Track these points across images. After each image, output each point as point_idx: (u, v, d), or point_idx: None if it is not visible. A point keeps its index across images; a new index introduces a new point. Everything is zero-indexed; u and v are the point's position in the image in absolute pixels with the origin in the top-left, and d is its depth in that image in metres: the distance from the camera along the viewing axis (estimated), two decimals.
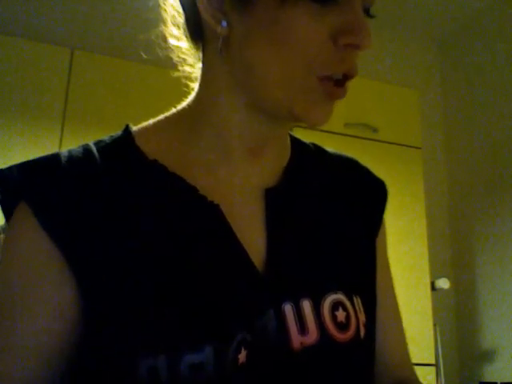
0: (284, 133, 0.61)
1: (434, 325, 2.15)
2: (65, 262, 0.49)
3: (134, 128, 0.59)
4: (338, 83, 0.53)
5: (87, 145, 0.56)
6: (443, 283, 2.18)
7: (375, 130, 2.25)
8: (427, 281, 2.18)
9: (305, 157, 0.64)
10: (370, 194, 0.66)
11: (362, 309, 0.57)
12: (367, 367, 0.58)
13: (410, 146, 2.32)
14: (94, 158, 0.54)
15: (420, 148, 2.34)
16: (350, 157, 0.69)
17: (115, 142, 0.57)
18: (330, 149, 0.69)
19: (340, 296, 0.54)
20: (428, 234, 2.25)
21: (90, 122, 1.96)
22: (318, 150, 0.67)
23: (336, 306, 0.54)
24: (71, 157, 0.54)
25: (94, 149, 0.56)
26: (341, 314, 0.53)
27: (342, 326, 0.53)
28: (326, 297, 0.53)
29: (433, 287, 2.19)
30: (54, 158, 0.54)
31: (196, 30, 0.57)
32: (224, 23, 0.52)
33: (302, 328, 0.51)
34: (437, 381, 2.08)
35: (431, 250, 2.28)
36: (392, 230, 2.48)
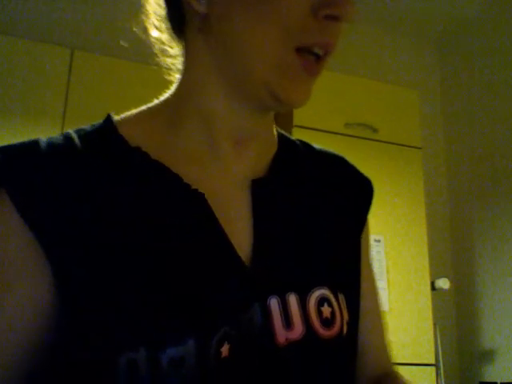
0: (268, 125, 0.61)
1: (434, 325, 2.15)
2: (42, 251, 0.48)
3: (117, 117, 0.58)
4: (317, 59, 0.52)
5: (68, 132, 0.55)
6: (443, 283, 2.18)
7: (375, 130, 2.25)
8: (427, 281, 2.18)
9: (291, 152, 0.63)
10: (356, 192, 0.66)
11: (345, 306, 0.56)
12: (350, 365, 0.58)
13: (410, 146, 2.32)
14: (75, 144, 0.53)
15: (420, 148, 2.34)
16: (337, 154, 0.68)
17: (97, 129, 0.56)
18: (316, 146, 0.68)
19: (326, 291, 0.54)
20: (428, 234, 2.25)
21: (90, 122, 1.96)
22: (304, 147, 0.66)
23: (322, 301, 0.53)
24: (51, 143, 0.53)
25: (75, 136, 0.54)
26: (326, 310, 0.53)
27: (327, 323, 0.52)
28: (312, 292, 0.53)
29: (433, 287, 2.19)
30: (34, 144, 0.52)
31: (177, 16, 0.56)
32: None
33: (288, 323, 0.50)
34: (437, 381, 2.08)
35: (431, 250, 2.28)
36: (392, 230, 2.47)
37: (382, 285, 2.10)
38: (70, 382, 0.47)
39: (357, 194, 0.66)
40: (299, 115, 2.16)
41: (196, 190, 0.53)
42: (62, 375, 0.47)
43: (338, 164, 0.67)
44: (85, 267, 0.48)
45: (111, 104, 2.02)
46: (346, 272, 0.60)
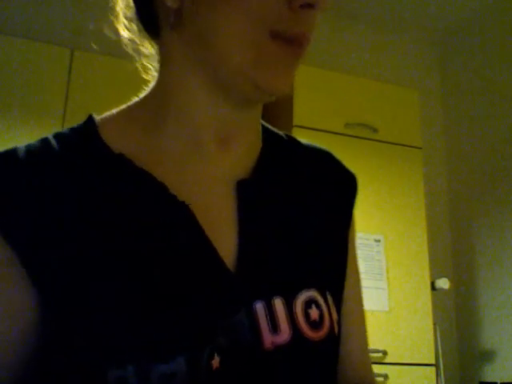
0: (253, 121, 0.59)
1: (434, 325, 2.15)
2: (21, 266, 0.46)
3: (97, 118, 0.56)
4: (294, 45, 0.51)
5: (46, 137, 0.53)
6: (443, 283, 2.18)
7: (375, 130, 2.25)
8: (427, 281, 2.18)
9: (277, 148, 0.62)
10: (341, 187, 0.65)
11: (334, 306, 0.56)
12: (337, 365, 0.57)
13: (410, 146, 2.32)
14: (54, 150, 0.52)
15: (420, 148, 2.34)
16: (324, 149, 0.67)
17: (77, 133, 0.54)
18: (303, 140, 0.67)
19: (313, 293, 0.53)
20: (428, 234, 2.25)
21: None
22: (291, 141, 0.65)
23: (309, 303, 0.52)
24: (29, 151, 0.51)
25: (54, 141, 0.53)
26: (314, 312, 0.52)
27: (315, 325, 0.52)
28: (298, 294, 0.52)
29: (433, 287, 2.19)
30: (12, 152, 0.51)
31: (148, 15, 0.56)
32: None
33: (274, 327, 0.50)
34: (437, 381, 2.08)
35: (431, 250, 2.28)
36: (392, 230, 2.47)
37: (381, 285, 2.10)
38: None
39: (342, 189, 0.65)
40: (299, 115, 2.16)
41: (182, 202, 0.51)
42: None
43: (324, 159, 0.66)
44: (67, 283, 0.46)
45: (111, 104, 2.02)
46: (334, 270, 0.60)
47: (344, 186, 0.66)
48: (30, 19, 2.29)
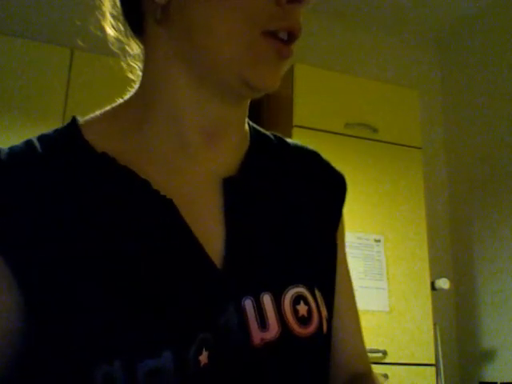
0: (240, 118, 0.59)
1: (434, 325, 2.15)
2: (5, 266, 0.46)
3: (81, 120, 0.56)
4: (284, 43, 0.52)
5: (29, 139, 0.53)
6: (443, 283, 2.18)
7: (375, 130, 2.25)
8: (427, 281, 2.18)
9: (264, 146, 0.62)
10: (330, 187, 0.65)
11: (323, 303, 0.56)
12: (328, 362, 0.57)
13: (410, 146, 2.32)
14: (37, 151, 0.51)
15: (420, 148, 2.34)
16: (312, 149, 0.67)
17: (60, 134, 0.54)
18: (291, 140, 0.67)
19: (301, 289, 0.53)
20: (428, 234, 2.25)
21: None
22: (278, 141, 0.65)
23: (297, 299, 0.52)
24: (12, 153, 0.51)
25: (37, 143, 0.52)
26: (302, 308, 0.52)
27: (304, 321, 0.52)
28: (286, 290, 0.52)
29: (433, 287, 2.19)
30: None
31: (134, 12, 0.56)
32: None
33: (263, 323, 0.50)
34: (437, 381, 2.08)
35: (431, 250, 2.28)
36: (392, 230, 2.47)
37: (381, 285, 2.10)
38: None
39: (331, 189, 0.65)
40: (299, 115, 2.16)
41: (164, 196, 0.51)
42: None
43: (312, 159, 0.66)
44: (52, 280, 0.46)
45: (111, 104, 2.02)
46: (323, 268, 0.60)
47: (332, 187, 0.66)
48: (30, 19, 2.29)
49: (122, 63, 0.61)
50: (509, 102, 2.51)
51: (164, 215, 0.51)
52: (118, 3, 0.57)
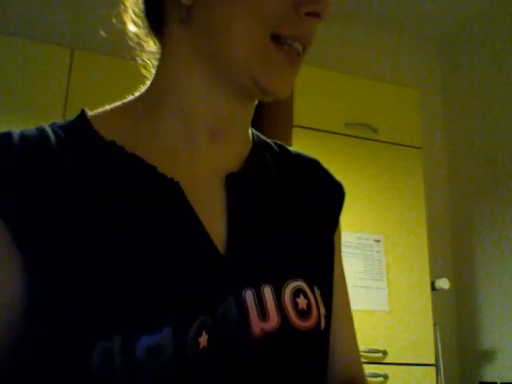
0: (246, 118, 0.61)
1: (434, 325, 2.15)
2: (12, 241, 0.47)
3: (91, 113, 0.58)
4: (295, 50, 0.54)
5: (41, 125, 0.56)
6: (443, 283, 2.18)
7: (375, 130, 2.25)
8: (427, 281, 2.18)
9: (266, 152, 0.64)
10: (328, 194, 0.67)
11: (321, 300, 0.57)
12: (326, 358, 0.58)
13: (410, 146, 2.32)
14: (48, 136, 0.54)
15: (420, 148, 2.34)
16: (312, 157, 0.69)
17: (71, 123, 0.57)
18: (292, 148, 0.69)
19: (301, 283, 0.54)
20: (428, 234, 2.25)
21: None
22: (280, 148, 0.67)
23: (297, 292, 0.53)
24: (24, 135, 0.53)
25: (49, 129, 0.55)
26: (302, 301, 0.53)
27: (303, 314, 0.53)
28: (287, 284, 0.53)
29: (433, 287, 2.19)
30: (6, 136, 0.52)
31: (156, 10, 0.58)
32: None
33: (263, 314, 0.50)
34: (437, 381, 2.08)
35: (431, 250, 2.28)
36: (392, 230, 2.47)
37: (381, 285, 2.10)
38: (42, 372, 0.46)
39: (329, 196, 0.67)
40: (299, 115, 2.16)
41: (172, 179, 0.53)
42: (33, 365, 0.46)
43: (313, 167, 0.68)
44: (56, 256, 0.47)
45: (111, 104, 2.02)
46: (322, 267, 0.61)
47: (332, 194, 0.67)
48: (29, 19, 2.29)
49: (138, 58, 0.63)
50: (509, 102, 2.51)
51: (170, 197, 0.53)
52: (141, 2, 0.59)
